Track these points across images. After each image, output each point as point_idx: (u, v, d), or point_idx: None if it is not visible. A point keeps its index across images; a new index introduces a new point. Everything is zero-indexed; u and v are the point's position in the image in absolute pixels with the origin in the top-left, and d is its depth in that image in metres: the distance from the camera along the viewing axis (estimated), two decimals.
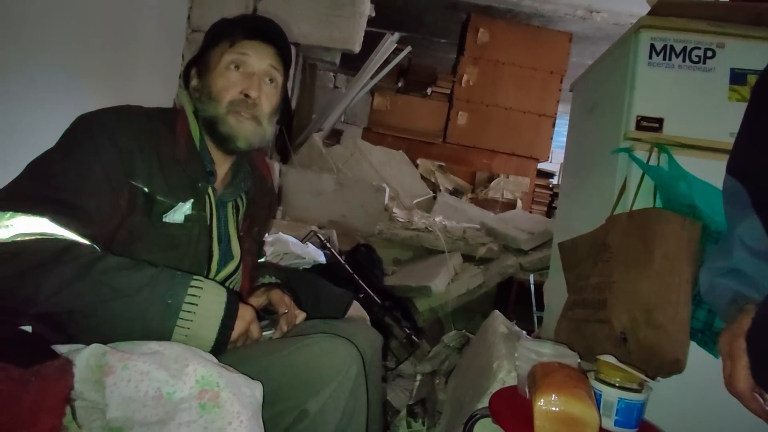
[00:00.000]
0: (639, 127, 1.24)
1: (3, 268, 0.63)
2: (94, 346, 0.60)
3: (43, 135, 0.78)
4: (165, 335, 0.70)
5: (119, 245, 0.79)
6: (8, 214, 0.66)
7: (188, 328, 0.71)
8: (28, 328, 0.61)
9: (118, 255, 0.74)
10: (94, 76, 1.90)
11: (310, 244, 2.10)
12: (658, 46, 1.24)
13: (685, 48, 1.24)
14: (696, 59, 1.23)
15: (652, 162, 1.21)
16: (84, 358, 0.58)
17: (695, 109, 1.23)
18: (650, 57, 1.24)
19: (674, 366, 1.01)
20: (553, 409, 0.78)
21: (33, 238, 0.66)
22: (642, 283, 1.05)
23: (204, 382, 0.60)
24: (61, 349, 0.57)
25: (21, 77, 1.57)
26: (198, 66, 0.94)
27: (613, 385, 0.87)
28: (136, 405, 0.58)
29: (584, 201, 1.57)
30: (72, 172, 0.74)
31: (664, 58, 1.24)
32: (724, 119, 1.18)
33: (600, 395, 0.87)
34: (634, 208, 1.18)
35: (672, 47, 1.24)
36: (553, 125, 4.20)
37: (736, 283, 0.72)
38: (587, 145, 1.62)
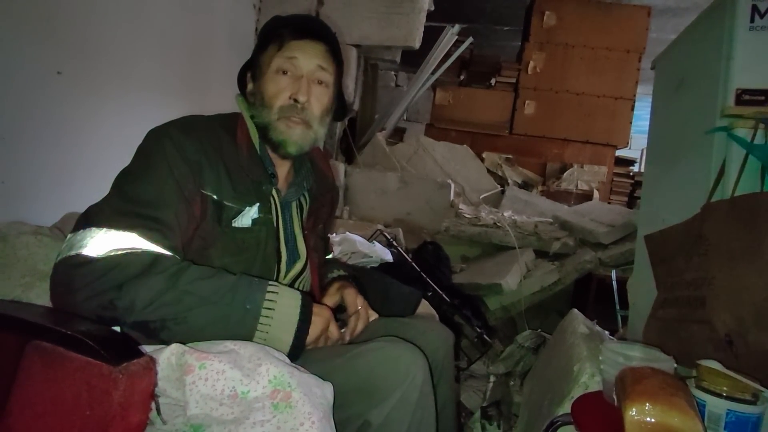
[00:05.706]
0: (739, 101, 1.10)
1: (102, 282, 0.68)
2: (174, 345, 0.63)
3: (134, 149, 0.84)
4: (247, 339, 0.72)
5: (194, 252, 0.82)
6: (103, 230, 0.72)
7: (267, 332, 0.73)
8: (117, 328, 0.65)
9: (194, 261, 0.78)
10: (176, 93, 2.04)
11: (376, 243, 2.10)
12: (762, 7, 1.09)
13: None
14: None
15: (758, 141, 1.06)
16: (165, 357, 0.61)
17: None
18: (752, 20, 1.09)
19: None
20: (648, 419, 0.70)
21: (125, 252, 0.70)
22: (749, 279, 0.93)
23: (276, 382, 0.61)
24: (145, 348, 0.61)
25: (112, 98, 1.72)
26: (252, 70, 0.95)
27: (720, 395, 0.76)
28: (214, 403, 0.60)
29: (673, 189, 1.43)
30: (151, 189, 0.77)
31: None
32: None
33: (704, 405, 0.77)
34: (736, 194, 1.05)
35: None
36: (632, 108, 3.88)
37: None
38: (675, 126, 1.47)
